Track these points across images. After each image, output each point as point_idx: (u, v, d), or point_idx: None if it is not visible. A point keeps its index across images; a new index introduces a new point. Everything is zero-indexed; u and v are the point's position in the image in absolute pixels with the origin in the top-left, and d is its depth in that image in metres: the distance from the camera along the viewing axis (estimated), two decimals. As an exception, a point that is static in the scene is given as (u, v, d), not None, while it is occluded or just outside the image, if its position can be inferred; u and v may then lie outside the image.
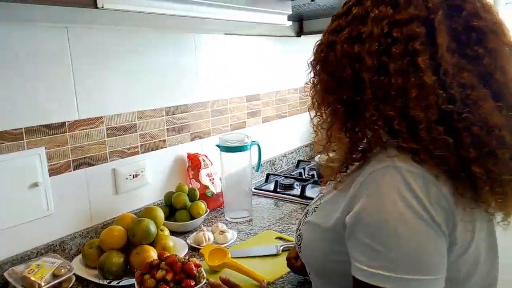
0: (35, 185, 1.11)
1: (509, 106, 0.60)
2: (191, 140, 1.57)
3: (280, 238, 1.28)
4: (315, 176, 1.72)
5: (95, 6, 0.83)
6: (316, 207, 0.77)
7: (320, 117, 0.72)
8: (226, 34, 1.66)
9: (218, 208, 1.56)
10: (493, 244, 0.71)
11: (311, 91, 0.74)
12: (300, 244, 0.79)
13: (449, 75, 0.58)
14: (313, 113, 0.76)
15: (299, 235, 0.80)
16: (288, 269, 1.08)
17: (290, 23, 1.40)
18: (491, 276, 0.71)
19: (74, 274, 1.05)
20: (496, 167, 0.59)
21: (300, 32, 2.11)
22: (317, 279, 0.79)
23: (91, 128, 1.23)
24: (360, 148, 0.67)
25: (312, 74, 0.73)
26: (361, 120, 0.64)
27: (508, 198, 0.61)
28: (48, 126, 1.13)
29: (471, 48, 0.60)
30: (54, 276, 1.01)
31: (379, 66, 0.61)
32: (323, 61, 0.69)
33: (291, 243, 1.22)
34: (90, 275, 1.07)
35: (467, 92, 0.58)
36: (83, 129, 1.21)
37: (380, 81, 0.60)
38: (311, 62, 0.73)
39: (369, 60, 0.61)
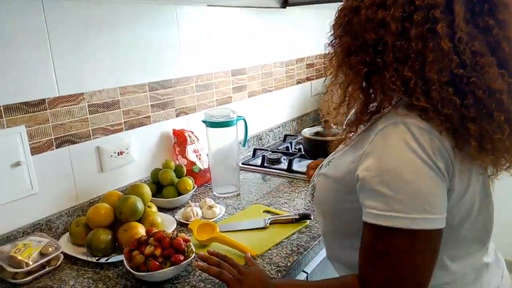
0: (17, 164, 1.08)
1: (511, 73, 0.66)
2: (176, 116, 1.55)
3: (268, 212, 1.29)
4: (302, 150, 1.73)
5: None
6: (330, 161, 0.83)
7: (335, 78, 0.77)
8: (209, 5, 1.62)
9: (206, 184, 1.56)
10: (487, 198, 0.77)
11: (330, 53, 0.78)
12: (313, 193, 0.87)
13: (463, 42, 0.63)
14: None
15: (313, 185, 0.87)
16: (276, 242, 1.10)
17: (275, -7, 1.37)
18: (486, 229, 0.79)
19: (62, 252, 1.04)
20: (490, 126, 0.65)
21: (285, 3, 2.06)
22: (327, 221, 0.87)
23: (72, 105, 1.20)
24: (369, 110, 0.73)
25: (332, 37, 0.77)
26: (377, 81, 0.69)
27: (498, 154, 0.68)
28: (27, 104, 1.10)
29: (483, 19, 0.65)
30: (42, 254, 1.00)
31: (402, 31, 0.65)
32: (347, 24, 0.72)
33: (278, 216, 1.23)
34: (78, 252, 1.07)
35: (476, 58, 0.64)
36: (64, 106, 1.18)
37: (401, 45, 0.65)
38: (332, 25, 0.77)
39: (393, 25, 0.65)
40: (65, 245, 1.09)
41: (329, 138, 1.57)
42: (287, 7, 2.06)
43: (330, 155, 0.86)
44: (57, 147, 1.18)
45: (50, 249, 1.02)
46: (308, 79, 2.41)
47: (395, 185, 0.64)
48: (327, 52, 0.80)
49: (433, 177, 0.64)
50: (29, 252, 0.99)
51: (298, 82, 2.32)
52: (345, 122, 0.79)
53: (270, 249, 1.08)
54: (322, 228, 0.92)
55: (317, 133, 1.61)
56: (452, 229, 0.70)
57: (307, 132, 1.64)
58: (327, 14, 2.72)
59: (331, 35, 0.76)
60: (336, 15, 0.76)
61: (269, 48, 2.02)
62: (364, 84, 0.72)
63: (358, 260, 0.71)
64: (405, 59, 0.66)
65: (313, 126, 1.90)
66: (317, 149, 1.62)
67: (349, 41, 0.72)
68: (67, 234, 1.14)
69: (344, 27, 0.73)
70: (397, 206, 0.64)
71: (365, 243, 0.70)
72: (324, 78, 2.20)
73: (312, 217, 1.22)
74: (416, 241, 0.65)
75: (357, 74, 0.71)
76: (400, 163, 0.65)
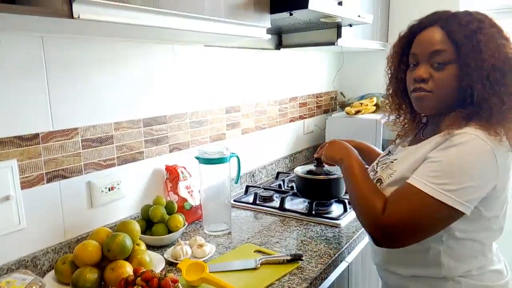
0: (7, 198, 1.07)
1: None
2: (170, 151, 1.55)
3: (259, 251, 1.27)
4: (294, 188, 1.73)
5: (71, 16, 0.82)
6: (392, 174, 1.02)
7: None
8: (205, 45, 1.66)
9: (197, 221, 1.54)
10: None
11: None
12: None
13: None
14: None
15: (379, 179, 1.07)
16: (267, 284, 1.08)
17: (269, 36, 1.41)
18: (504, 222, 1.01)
19: (45, 291, 1.01)
20: None
21: (279, 45, 2.13)
22: None
23: (66, 139, 1.20)
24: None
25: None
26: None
27: None
28: (20, 138, 1.09)
29: None
30: (25, 293, 0.97)
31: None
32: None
33: (270, 256, 1.21)
34: (62, 292, 1.04)
35: None
36: (57, 141, 1.18)
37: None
38: None
39: None
40: (50, 283, 1.06)
41: (321, 177, 1.58)
42: (281, 49, 2.13)
43: (385, 168, 1.07)
44: (48, 182, 1.16)
45: (34, 287, 0.99)
46: (301, 117, 2.44)
47: (459, 175, 0.86)
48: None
49: (489, 180, 0.88)
50: (11, 291, 0.95)
51: (291, 120, 2.35)
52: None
53: (260, 291, 1.06)
54: None
55: (309, 172, 1.62)
56: (489, 221, 0.95)
57: (299, 170, 1.64)
58: (319, 56, 2.82)
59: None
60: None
61: (263, 87, 2.07)
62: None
63: (392, 193, 0.95)
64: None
65: (306, 164, 1.90)
66: (310, 188, 1.61)
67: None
68: (53, 271, 1.11)
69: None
70: (450, 188, 0.86)
71: (405, 192, 0.91)
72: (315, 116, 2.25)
73: (304, 258, 1.20)
74: (440, 210, 0.87)
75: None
76: (471, 161, 0.87)
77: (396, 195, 0.94)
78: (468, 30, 0.92)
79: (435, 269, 0.99)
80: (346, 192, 1.18)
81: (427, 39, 0.97)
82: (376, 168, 1.14)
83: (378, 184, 1.05)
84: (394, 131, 1.21)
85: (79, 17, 0.82)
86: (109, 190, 1.32)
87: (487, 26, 0.92)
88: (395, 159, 1.07)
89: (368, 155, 1.34)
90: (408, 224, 0.89)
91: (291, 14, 1.44)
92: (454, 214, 0.88)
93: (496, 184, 0.90)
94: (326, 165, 1.62)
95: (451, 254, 0.97)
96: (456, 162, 0.87)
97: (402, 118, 1.16)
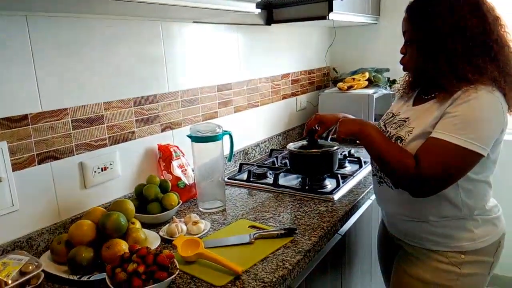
0: (-2, 180, 1.07)
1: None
2: (162, 131, 1.55)
3: (254, 227, 1.29)
4: (288, 164, 1.73)
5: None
6: (410, 131, 1.13)
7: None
8: (194, 22, 1.64)
9: (191, 199, 1.55)
10: None
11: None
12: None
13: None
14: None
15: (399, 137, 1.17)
16: (262, 257, 1.10)
17: (259, 10, 1.39)
18: None
19: (42, 270, 1.02)
20: None
21: (270, 21, 2.10)
22: None
23: (56, 120, 1.19)
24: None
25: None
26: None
27: None
28: (9, 119, 1.08)
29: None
30: (22, 273, 0.97)
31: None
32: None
33: (264, 230, 1.23)
34: (59, 271, 1.05)
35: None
36: (46, 122, 1.17)
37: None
38: None
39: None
40: (46, 263, 1.07)
41: (313, 151, 1.58)
42: (272, 24, 2.10)
43: (400, 127, 1.18)
44: (39, 163, 1.16)
45: (30, 267, 0.99)
46: (293, 94, 2.43)
47: (477, 124, 1.01)
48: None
49: (500, 127, 1.05)
50: (8, 271, 0.96)
51: (284, 98, 2.34)
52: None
53: (255, 264, 1.07)
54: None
55: (302, 147, 1.62)
56: (494, 163, 1.14)
57: (292, 146, 1.65)
58: (311, 32, 2.79)
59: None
60: None
61: (254, 64, 2.05)
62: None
63: (420, 148, 1.06)
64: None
65: (299, 140, 1.91)
66: (303, 163, 1.62)
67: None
68: (48, 252, 1.12)
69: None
70: (471, 136, 1.00)
71: (434, 146, 1.03)
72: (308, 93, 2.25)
73: (297, 231, 1.22)
74: (467, 156, 1.02)
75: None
76: (484, 111, 1.02)
77: (426, 149, 1.05)
78: (423, 13, 1.10)
79: (456, 211, 1.13)
80: (372, 160, 1.24)
81: (402, 21, 1.19)
82: (387, 128, 1.24)
83: (399, 141, 1.15)
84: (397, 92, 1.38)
85: (61, -8, 0.80)
86: (102, 170, 1.32)
87: (443, 9, 1.07)
88: (407, 118, 1.18)
89: None
90: (442, 173, 1.03)
91: (280, -12, 1.41)
92: (477, 158, 1.03)
93: (503, 128, 1.07)
94: (319, 140, 1.63)
95: (468, 195, 1.12)
96: (473, 114, 1.02)
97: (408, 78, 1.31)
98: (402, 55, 1.21)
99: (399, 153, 1.09)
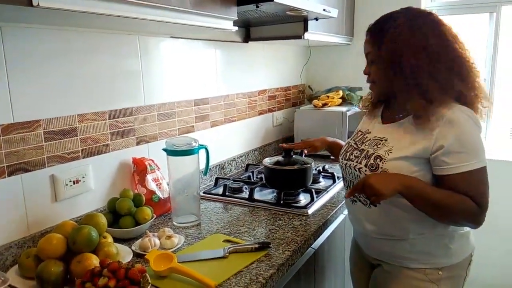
0: (-36, 193, 1.03)
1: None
2: (137, 144, 1.54)
3: (228, 241, 1.29)
4: (263, 179, 1.75)
5: (30, 4, 0.80)
6: (390, 151, 1.16)
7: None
8: (172, 37, 1.65)
9: (166, 214, 1.53)
10: None
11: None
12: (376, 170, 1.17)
13: None
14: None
15: (382, 169, 1.16)
16: (236, 271, 1.10)
17: (236, 28, 1.42)
18: None
19: (9, 285, 0.99)
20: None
21: (247, 38, 2.14)
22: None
23: (27, 132, 1.17)
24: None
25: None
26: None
27: None
28: (-22, 130, 1.06)
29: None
30: (-14, 289, 0.95)
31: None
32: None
33: (238, 245, 1.23)
34: (27, 286, 1.02)
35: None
36: (18, 133, 1.15)
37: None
38: None
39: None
40: (13, 278, 1.04)
41: (287, 167, 1.61)
42: (249, 42, 2.15)
43: (378, 146, 1.20)
44: (9, 175, 1.13)
45: (-5, 282, 0.96)
46: (270, 110, 2.47)
47: (470, 147, 1.08)
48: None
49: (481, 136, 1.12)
50: (-29, 287, 0.93)
51: (260, 113, 2.37)
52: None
53: (229, 278, 1.07)
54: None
55: (277, 162, 1.65)
56: None
57: (267, 161, 1.67)
58: (287, 50, 2.84)
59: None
60: None
61: (232, 79, 2.08)
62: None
63: (463, 187, 1.08)
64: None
65: (275, 155, 1.93)
66: (278, 178, 1.64)
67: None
68: (16, 266, 1.08)
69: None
70: (471, 157, 1.07)
71: (472, 179, 1.08)
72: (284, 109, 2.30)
73: (271, 245, 1.23)
74: (486, 173, 1.10)
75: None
76: (473, 135, 1.09)
77: (468, 185, 1.08)
78: (384, 34, 1.14)
79: (434, 227, 1.16)
80: (423, 210, 1.14)
81: (364, 43, 1.24)
82: (359, 146, 1.26)
83: (379, 160, 1.17)
84: (361, 109, 1.40)
85: (38, 5, 0.81)
86: (74, 183, 1.30)
87: (403, 30, 1.12)
88: (383, 137, 1.21)
89: (339, 147, 1.53)
90: (488, 196, 1.11)
91: (257, 7, 1.45)
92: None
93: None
94: (294, 156, 1.66)
95: None
96: (466, 138, 1.08)
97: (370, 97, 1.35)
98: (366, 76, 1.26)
99: (455, 197, 1.08)
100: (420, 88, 1.11)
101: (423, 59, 1.10)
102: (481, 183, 1.09)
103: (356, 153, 1.25)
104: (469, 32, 2.49)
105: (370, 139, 1.25)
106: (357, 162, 1.22)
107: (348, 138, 2.19)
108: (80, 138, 1.32)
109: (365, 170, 1.19)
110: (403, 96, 1.15)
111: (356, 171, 1.22)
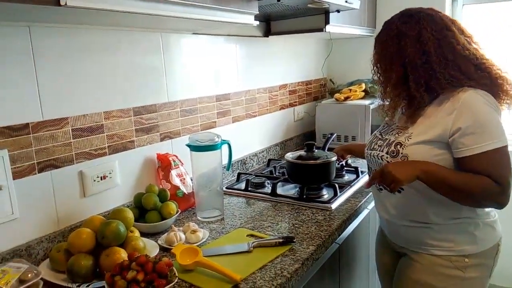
0: (-2, 188, 1.07)
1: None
2: (161, 140, 1.56)
3: (252, 235, 1.29)
4: (285, 174, 1.75)
5: (58, 4, 0.82)
6: (410, 136, 1.18)
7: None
8: (194, 33, 1.66)
9: (190, 208, 1.55)
10: None
11: None
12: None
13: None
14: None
15: (403, 155, 1.18)
16: (260, 265, 1.11)
17: (257, 22, 1.42)
18: None
19: (41, 278, 1.02)
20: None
21: (268, 33, 2.14)
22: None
23: (56, 129, 1.20)
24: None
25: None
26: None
27: None
28: (10, 128, 1.09)
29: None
30: (21, 281, 0.98)
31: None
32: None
33: (262, 239, 1.24)
34: (58, 279, 1.05)
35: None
36: (47, 131, 1.18)
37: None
38: None
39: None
40: (45, 271, 1.07)
41: (311, 162, 1.60)
42: (270, 36, 2.14)
43: (399, 134, 1.22)
44: (39, 172, 1.17)
45: (29, 275, 0.99)
46: (291, 105, 2.46)
47: (486, 128, 1.08)
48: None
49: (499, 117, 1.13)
50: (7, 279, 0.96)
51: (281, 108, 2.36)
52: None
53: (254, 272, 1.08)
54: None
55: (299, 157, 1.64)
56: None
57: (290, 156, 1.66)
58: (308, 43, 2.82)
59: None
60: None
61: (252, 74, 2.07)
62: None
63: (484, 167, 1.08)
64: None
65: (296, 150, 1.93)
66: (301, 173, 1.64)
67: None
68: (48, 260, 1.12)
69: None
70: (488, 137, 1.07)
71: (492, 159, 1.08)
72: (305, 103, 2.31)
73: (295, 240, 1.23)
74: (504, 152, 1.09)
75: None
76: (487, 115, 1.09)
77: (486, 166, 1.08)
78: (383, 34, 1.24)
79: (459, 213, 1.17)
80: (446, 195, 1.14)
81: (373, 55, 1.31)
82: (384, 136, 1.28)
83: (399, 146, 1.19)
84: (382, 116, 1.34)
85: (66, 4, 0.82)
86: (101, 179, 1.33)
87: (394, 29, 1.20)
88: (405, 126, 1.22)
89: (360, 149, 1.53)
90: (511, 175, 1.10)
91: (278, 0, 1.44)
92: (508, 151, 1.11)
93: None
94: (316, 150, 1.65)
95: None
96: (481, 118, 1.09)
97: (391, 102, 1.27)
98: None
99: (475, 179, 1.09)
100: (443, 74, 1.15)
101: (444, 51, 1.15)
102: (500, 163, 1.09)
103: (380, 142, 1.28)
104: (499, 20, 2.41)
105: (393, 129, 1.27)
106: (379, 150, 1.25)
107: (371, 132, 2.16)
108: (106, 135, 1.35)
109: (387, 157, 1.21)
110: (430, 79, 1.17)
111: (379, 159, 1.24)
